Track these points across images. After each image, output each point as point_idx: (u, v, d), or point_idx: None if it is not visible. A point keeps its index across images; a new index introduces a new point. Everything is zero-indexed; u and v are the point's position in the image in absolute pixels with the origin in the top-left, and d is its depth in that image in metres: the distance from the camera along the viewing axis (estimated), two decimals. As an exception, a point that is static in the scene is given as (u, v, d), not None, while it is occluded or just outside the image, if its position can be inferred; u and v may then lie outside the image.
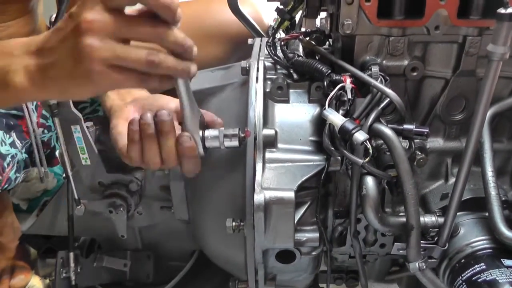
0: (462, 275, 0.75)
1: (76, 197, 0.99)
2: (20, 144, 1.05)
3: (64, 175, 1.05)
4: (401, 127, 0.72)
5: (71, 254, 1.07)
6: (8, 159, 0.99)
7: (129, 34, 0.56)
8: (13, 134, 1.04)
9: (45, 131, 1.18)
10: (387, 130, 0.70)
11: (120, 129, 0.78)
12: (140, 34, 0.56)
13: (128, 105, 0.84)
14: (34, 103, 1.09)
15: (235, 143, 0.73)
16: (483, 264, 0.74)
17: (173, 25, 0.56)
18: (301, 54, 0.85)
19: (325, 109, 0.72)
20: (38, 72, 0.58)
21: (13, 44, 0.60)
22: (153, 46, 0.57)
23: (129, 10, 0.56)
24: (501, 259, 0.74)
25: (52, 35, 0.58)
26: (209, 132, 0.72)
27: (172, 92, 0.71)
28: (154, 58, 0.56)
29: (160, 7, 0.54)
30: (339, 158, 0.76)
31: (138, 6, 0.56)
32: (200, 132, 0.71)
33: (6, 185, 1.00)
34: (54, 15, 0.97)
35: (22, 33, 1.03)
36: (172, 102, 0.81)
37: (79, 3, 0.55)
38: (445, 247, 0.77)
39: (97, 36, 0.54)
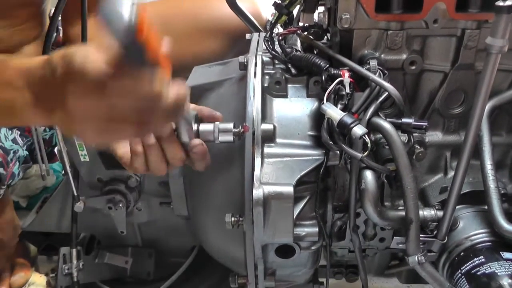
0: (461, 268, 0.75)
1: (75, 193, 0.99)
2: (22, 142, 1.06)
3: (63, 172, 1.05)
4: (400, 121, 0.72)
5: (74, 251, 1.07)
6: (11, 154, 0.99)
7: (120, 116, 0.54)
8: (16, 132, 1.05)
9: (47, 129, 1.18)
10: (385, 124, 0.70)
11: None
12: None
13: None
14: None
15: (229, 137, 0.72)
16: (482, 257, 0.74)
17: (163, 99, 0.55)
18: (299, 49, 0.85)
19: (323, 103, 0.72)
20: (40, 110, 0.58)
21: (12, 72, 0.59)
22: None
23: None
24: (500, 252, 0.74)
25: (48, 74, 0.55)
26: (204, 126, 0.72)
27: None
28: (145, 122, 0.55)
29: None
30: (338, 152, 0.75)
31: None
32: (195, 126, 0.71)
33: (11, 180, 1.01)
34: (53, 10, 0.97)
35: (32, 36, 1.04)
36: None
37: (69, 50, 0.53)
38: (444, 241, 0.77)
39: (84, 120, 0.53)
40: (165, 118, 0.58)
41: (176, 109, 0.57)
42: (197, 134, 0.71)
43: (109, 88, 0.51)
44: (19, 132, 1.06)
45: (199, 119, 0.73)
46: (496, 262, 0.72)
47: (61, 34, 1.18)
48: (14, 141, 1.03)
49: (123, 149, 0.75)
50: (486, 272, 0.72)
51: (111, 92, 0.51)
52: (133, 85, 0.51)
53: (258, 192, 0.70)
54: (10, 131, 1.03)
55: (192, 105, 0.74)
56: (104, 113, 0.53)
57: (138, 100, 0.53)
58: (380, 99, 0.72)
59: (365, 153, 0.68)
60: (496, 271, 0.71)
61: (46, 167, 1.14)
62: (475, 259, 0.74)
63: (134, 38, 0.47)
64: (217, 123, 0.72)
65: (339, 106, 0.72)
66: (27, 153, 1.09)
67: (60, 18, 1.05)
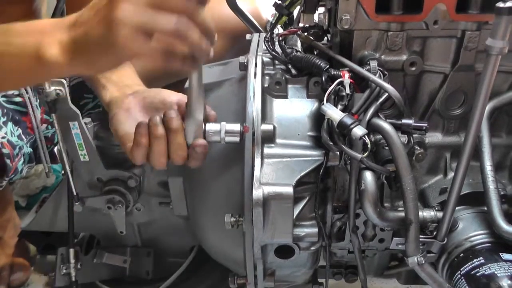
0: (461, 269, 0.75)
1: (75, 193, 0.99)
2: (25, 139, 1.06)
3: (62, 172, 1.05)
4: (400, 122, 0.72)
5: (71, 251, 1.07)
6: (17, 149, 1.00)
7: (161, 3, 0.55)
8: (19, 129, 1.05)
9: (49, 127, 1.19)
10: (385, 125, 0.70)
11: (120, 117, 0.79)
12: (172, 4, 0.55)
13: (128, 96, 0.84)
14: (38, 100, 1.09)
15: (236, 138, 0.73)
16: (481, 258, 0.74)
17: (202, 6, 0.57)
18: (300, 50, 0.85)
19: (323, 104, 0.72)
20: (68, 44, 0.59)
21: (44, 22, 0.62)
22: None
23: None
24: (500, 253, 0.74)
25: (85, 10, 0.59)
26: (210, 126, 0.72)
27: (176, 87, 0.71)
28: (182, 27, 0.55)
29: None
30: (338, 153, 0.75)
31: None
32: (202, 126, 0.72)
33: (13, 175, 1.01)
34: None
35: None
36: (173, 96, 0.81)
37: None
38: (444, 242, 0.77)
39: (129, 2, 0.54)
40: (199, 38, 0.58)
41: (209, 33, 0.58)
42: (204, 134, 0.71)
43: None
44: (21, 130, 1.07)
45: (206, 119, 0.73)
46: (495, 263, 0.72)
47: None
48: (19, 137, 1.04)
49: (125, 130, 0.75)
50: (486, 273, 0.72)
51: None
52: None
53: (257, 193, 0.70)
54: (16, 127, 1.04)
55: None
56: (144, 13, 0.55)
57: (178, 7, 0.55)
58: (380, 100, 0.72)
59: (365, 154, 0.69)
60: (496, 272, 0.71)
61: (48, 164, 1.14)
62: (475, 260, 0.74)
63: None
64: (223, 123, 0.72)
65: (339, 106, 0.72)
66: (31, 150, 1.09)
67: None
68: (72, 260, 1.07)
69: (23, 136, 1.06)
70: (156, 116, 0.70)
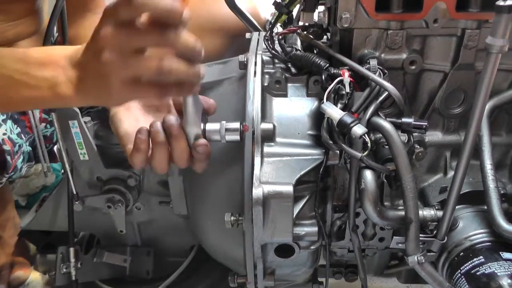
0: (461, 268, 0.75)
1: (75, 192, 0.99)
2: (24, 138, 1.06)
3: (62, 171, 1.05)
4: (400, 121, 0.72)
5: (72, 250, 1.07)
6: (17, 147, 1.00)
7: (140, 42, 0.57)
8: (18, 127, 1.06)
9: (48, 126, 1.19)
10: (385, 124, 0.70)
11: (121, 116, 0.78)
12: (150, 41, 0.57)
13: None
14: None
15: (236, 137, 0.72)
16: (481, 257, 0.74)
17: (181, 27, 0.57)
18: (299, 48, 0.85)
19: (323, 103, 0.72)
20: (79, 84, 0.63)
21: (59, 53, 0.65)
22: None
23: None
24: (500, 252, 0.74)
25: (86, 49, 0.62)
26: (210, 126, 0.72)
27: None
28: (164, 64, 0.57)
29: (163, 12, 0.55)
30: (338, 152, 0.75)
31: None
32: (202, 125, 0.71)
33: (13, 173, 1.01)
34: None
35: (28, 32, 1.04)
36: None
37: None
38: (444, 241, 0.77)
39: (111, 50, 0.57)
40: (185, 67, 0.59)
41: (195, 55, 0.59)
42: (204, 133, 0.71)
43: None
44: (20, 129, 1.07)
45: (206, 118, 0.73)
46: (495, 262, 0.72)
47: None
48: (18, 135, 1.04)
49: (125, 129, 0.75)
50: (486, 272, 0.71)
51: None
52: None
53: (257, 192, 0.70)
54: (16, 125, 1.04)
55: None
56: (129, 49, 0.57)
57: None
58: (380, 98, 0.72)
59: (365, 153, 0.68)
60: (496, 271, 0.71)
61: (47, 163, 1.14)
62: (475, 259, 0.74)
63: None
64: (223, 122, 0.72)
65: (339, 105, 0.72)
66: (30, 149, 1.10)
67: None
68: (72, 259, 1.07)
69: (22, 135, 1.06)
70: (157, 122, 0.70)
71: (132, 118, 0.78)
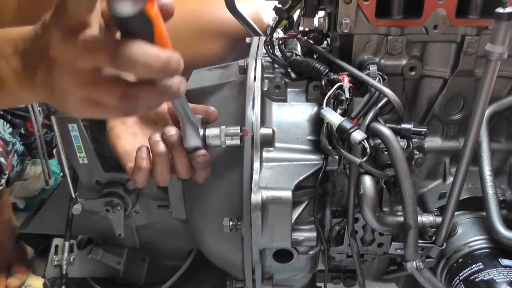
0: (460, 275, 0.75)
1: (74, 195, 0.99)
2: (19, 138, 1.07)
3: (61, 174, 1.05)
4: (399, 127, 0.72)
5: (67, 243, 1.06)
6: (10, 146, 1.00)
7: (101, 62, 0.46)
8: (10, 127, 1.06)
9: (48, 131, 1.19)
10: (385, 130, 0.70)
11: (118, 132, 0.78)
12: (99, 61, 0.46)
13: None
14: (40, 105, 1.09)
15: (236, 141, 0.72)
16: (480, 263, 0.74)
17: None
18: (299, 53, 0.85)
19: (323, 108, 0.72)
20: (25, 78, 0.52)
21: (1, 40, 0.54)
22: None
23: None
24: (499, 259, 0.74)
25: (34, 40, 0.51)
26: (210, 131, 0.72)
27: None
28: (129, 98, 0.47)
29: (159, 74, 0.46)
30: (337, 157, 0.75)
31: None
32: (201, 131, 0.71)
33: (10, 172, 1.01)
34: None
35: None
36: (164, 104, 0.80)
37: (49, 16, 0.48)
38: (443, 247, 0.77)
39: (63, 64, 0.47)
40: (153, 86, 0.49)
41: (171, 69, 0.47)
42: (204, 139, 0.71)
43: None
44: (11, 128, 1.07)
45: (205, 124, 0.73)
46: (494, 269, 0.72)
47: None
48: (12, 134, 1.04)
49: (123, 147, 0.74)
50: (485, 278, 0.71)
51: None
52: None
53: (256, 197, 0.70)
54: (8, 124, 1.04)
55: (192, 105, 0.74)
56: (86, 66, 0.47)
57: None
58: (380, 104, 0.72)
59: (364, 158, 0.68)
60: (495, 278, 0.70)
61: (48, 170, 1.14)
62: (474, 265, 0.74)
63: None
64: (223, 127, 0.72)
65: (338, 111, 0.72)
66: (23, 148, 1.10)
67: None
68: (66, 253, 1.05)
69: (15, 134, 1.06)
70: (156, 134, 0.70)
71: (130, 133, 0.77)
